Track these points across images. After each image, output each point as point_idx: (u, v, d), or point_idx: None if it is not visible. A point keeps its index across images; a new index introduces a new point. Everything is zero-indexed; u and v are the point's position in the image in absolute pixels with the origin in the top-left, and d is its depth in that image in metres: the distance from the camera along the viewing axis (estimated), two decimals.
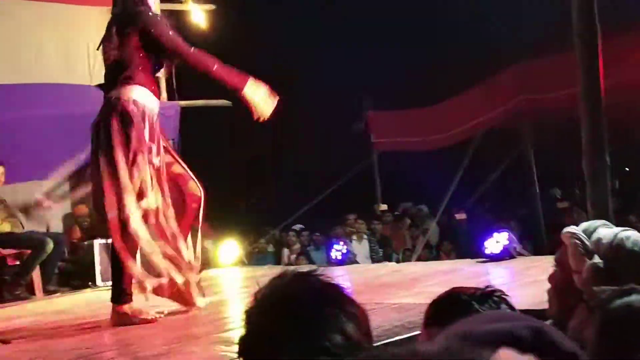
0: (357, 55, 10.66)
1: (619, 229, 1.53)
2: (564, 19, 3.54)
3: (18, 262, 5.50)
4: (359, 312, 0.92)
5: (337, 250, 5.37)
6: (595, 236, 1.51)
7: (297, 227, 9.16)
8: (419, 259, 7.81)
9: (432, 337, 1.23)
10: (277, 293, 0.92)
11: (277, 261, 8.70)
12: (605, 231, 1.51)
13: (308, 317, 0.87)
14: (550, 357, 0.69)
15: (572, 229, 1.55)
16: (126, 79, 3.33)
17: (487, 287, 1.27)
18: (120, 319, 3.19)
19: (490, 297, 1.25)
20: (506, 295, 1.26)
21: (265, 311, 0.91)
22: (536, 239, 7.60)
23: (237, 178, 10.95)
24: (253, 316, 0.92)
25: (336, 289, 0.93)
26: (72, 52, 6.87)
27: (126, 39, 3.33)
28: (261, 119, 3.35)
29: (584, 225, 1.56)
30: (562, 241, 1.57)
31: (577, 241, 1.50)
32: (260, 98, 3.31)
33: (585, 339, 1.39)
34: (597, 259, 1.47)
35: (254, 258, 8.77)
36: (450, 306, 1.24)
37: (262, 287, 0.95)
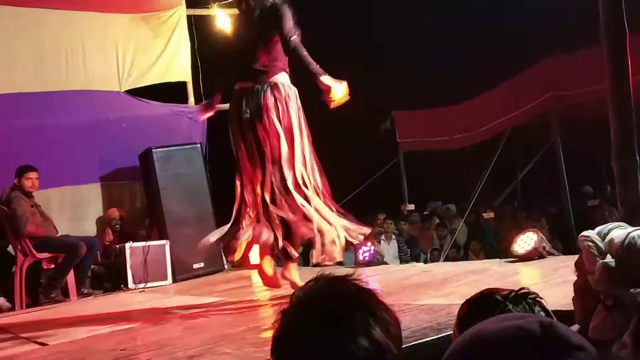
0: (384, 56, 10.66)
1: (632, 229, 1.54)
2: (593, 14, 3.50)
3: (53, 266, 5.64)
4: (389, 316, 0.94)
5: (365, 251, 5.38)
6: (608, 237, 1.53)
7: None
8: (447, 259, 7.77)
9: (459, 334, 1.25)
10: (311, 296, 0.95)
11: (306, 262, 8.73)
12: (618, 232, 1.53)
13: (337, 320, 0.90)
14: (559, 350, 0.71)
15: (585, 233, 1.58)
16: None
17: (522, 288, 1.28)
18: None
19: (524, 298, 1.25)
20: (540, 297, 1.27)
21: (297, 313, 0.94)
22: (566, 237, 7.50)
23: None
24: (286, 317, 0.95)
25: (368, 293, 0.96)
26: (102, 59, 7.00)
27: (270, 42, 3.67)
28: (333, 105, 3.65)
29: (599, 228, 1.58)
30: (579, 244, 1.59)
31: (590, 243, 1.53)
32: (336, 85, 3.60)
33: (606, 338, 1.39)
34: (608, 258, 1.49)
35: (281, 259, 8.82)
36: (483, 306, 1.24)
37: (296, 291, 0.99)
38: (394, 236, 8.37)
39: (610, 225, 1.58)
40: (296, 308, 0.95)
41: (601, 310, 1.48)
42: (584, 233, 1.58)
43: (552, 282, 3.18)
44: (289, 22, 3.61)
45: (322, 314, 0.91)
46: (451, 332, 2.22)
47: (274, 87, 3.66)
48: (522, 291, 1.26)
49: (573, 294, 1.62)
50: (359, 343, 0.88)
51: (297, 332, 0.91)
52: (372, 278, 4.29)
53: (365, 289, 0.96)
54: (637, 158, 3.19)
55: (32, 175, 5.63)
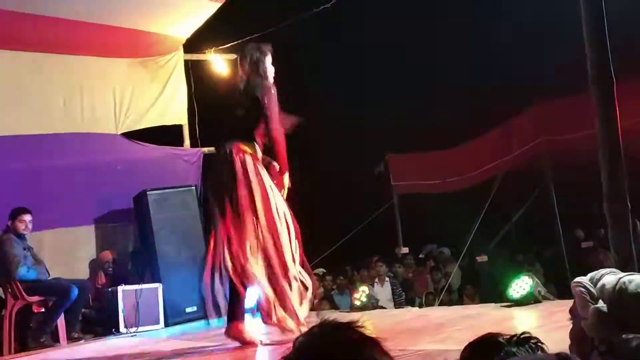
0: (378, 100, 10.81)
1: (624, 274, 1.55)
2: (582, 61, 3.58)
3: (43, 310, 5.56)
4: None
5: (360, 295, 5.35)
6: (600, 283, 1.53)
7: (320, 271, 9.14)
8: (441, 303, 7.72)
9: None
10: (315, 345, 0.94)
11: None
12: (610, 278, 1.54)
13: None
14: None
15: (577, 279, 1.58)
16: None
17: (523, 333, 1.29)
18: (234, 334, 3.68)
19: (527, 342, 1.27)
20: (542, 342, 1.27)
21: None
22: (561, 281, 7.47)
23: None
24: None
25: (373, 342, 0.95)
26: (99, 102, 7.07)
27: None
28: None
29: (591, 274, 1.59)
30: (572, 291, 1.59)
31: (582, 289, 1.53)
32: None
33: None
34: (600, 304, 1.49)
35: None
36: (486, 349, 1.25)
37: (300, 336, 0.98)
38: (387, 279, 8.32)
39: (602, 271, 1.59)
40: (301, 357, 0.93)
41: (596, 357, 1.48)
42: (577, 280, 1.59)
43: (548, 327, 3.17)
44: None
45: None
46: None
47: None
48: (525, 335, 1.27)
49: (569, 341, 1.61)
50: None
51: None
52: (367, 323, 4.24)
53: (369, 337, 0.96)
54: (629, 203, 3.23)
55: (26, 217, 5.61)
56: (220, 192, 3.76)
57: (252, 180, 3.74)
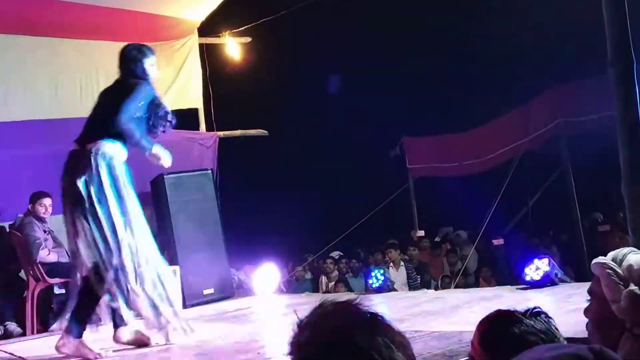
0: (394, 82, 10.75)
1: None
2: (600, 41, 3.53)
3: (64, 291, 5.65)
4: (405, 341, 0.92)
5: (375, 278, 5.37)
6: (625, 264, 1.49)
7: (335, 254, 9.17)
8: (457, 286, 7.72)
9: (483, 352, 1.27)
10: (325, 323, 0.91)
11: (315, 288, 8.71)
12: (635, 257, 1.50)
13: (359, 348, 0.86)
14: None
15: (601, 259, 1.54)
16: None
17: (535, 307, 1.34)
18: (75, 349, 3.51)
19: (539, 315, 1.32)
20: (550, 317, 1.31)
21: (313, 342, 0.89)
22: (578, 264, 7.44)
23: (273, 207, 11.05)
24: (301, 347, 0.90)
25: (381, 318, 0.93)
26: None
27: None
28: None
29: (612, 254, 1.55)
30: (593, 272, 1.56)
31: (610, 271, 1.49)
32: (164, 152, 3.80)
33: None
34: (633, 286, 1.46)
35: (291, 286, 8.80)
36: (503, 322, 1.30)
37: (304, 317, 0.94)
38: (402, 263, 8.33)
39: (623, 250, 1.55)
40: (310, 338, 0.89)
41: (628, 339, 1.45)
42: (600, 260, 1.54)
43: (565, 309, 3.16)
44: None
45: (342, 343, 0.87)
46: (463, 358, 2.22)
47: None
48: (536, 310, 1.32)
49: (586, 323, 1.59)
50: None
51: None
52: (382, 305, 4.27)
53: (375, 313, 0.93)
54: None
55: (46, 201, 5.68)
56: None
57: None
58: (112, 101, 3.65)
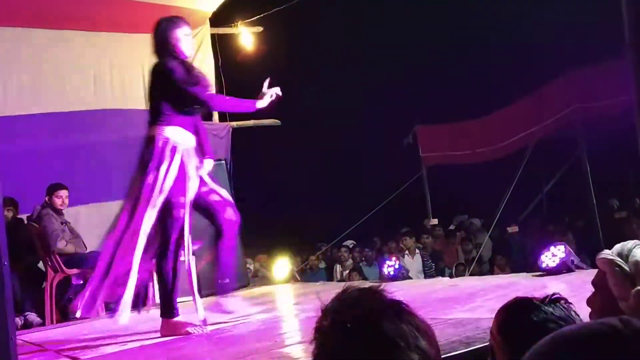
0: (406, 70, 10.69)
1: None
2: (616, 23, 3.47)
3: (82, 282, 5.72)
4: (429, 330, 0.92)
5: (390, 266, 5.37)
6: (632, 259, 1.45)
7: (349, 243, 9.19)
8: (471, 274, 7.71)
9: (502, 340, 1.27)
10: (350, 309, 0.90)
11: (329, 277, 8.74)
12: None
13: (385, 335, 0.86)
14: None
15: (606, 254, 1.51)
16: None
17: (554, 293, 1.33)
18: (170, 330, 3.61)
19: (558, 301, 1.32)
20: (570, 302, 1.29)
21: (338, 327, 0.89)
22: (594, 251, 7.37)
23: (287, 195, 11.08)
24: (328, 333, 0.90)
25: (406, 306, 0.93)
26: (128, 78, 7.14)
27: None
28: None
29: (617, 248, 1.51)
30: (599, 266, 1.53)
31: (617, 268, 1.46)
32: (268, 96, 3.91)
33: None
34: None
35: (306, 274, 8.84)
36: (522, 309, 1.29)
37: (328, 303, 0.94)
38: (417, 251, 8.33)
39: (628, 244, 1.51)
40: (337, 323, 0.89)
41: None
42: (605, 255, 1.51)
43: (581, 296, 3.13)
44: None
45: (369, 329, 0.87)
46: (479, 345, 2.22)
47: None
48: (555, 296, 1.32)
49: (591, 312, 1.57)
50: (411, 356, 0.85)
51: (345, 350, 0.86)
52: (398, 292, 4.27)
53: (398, 300, 0.93)
54: None
55: (63, 193, 5.74)
56: None
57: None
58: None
